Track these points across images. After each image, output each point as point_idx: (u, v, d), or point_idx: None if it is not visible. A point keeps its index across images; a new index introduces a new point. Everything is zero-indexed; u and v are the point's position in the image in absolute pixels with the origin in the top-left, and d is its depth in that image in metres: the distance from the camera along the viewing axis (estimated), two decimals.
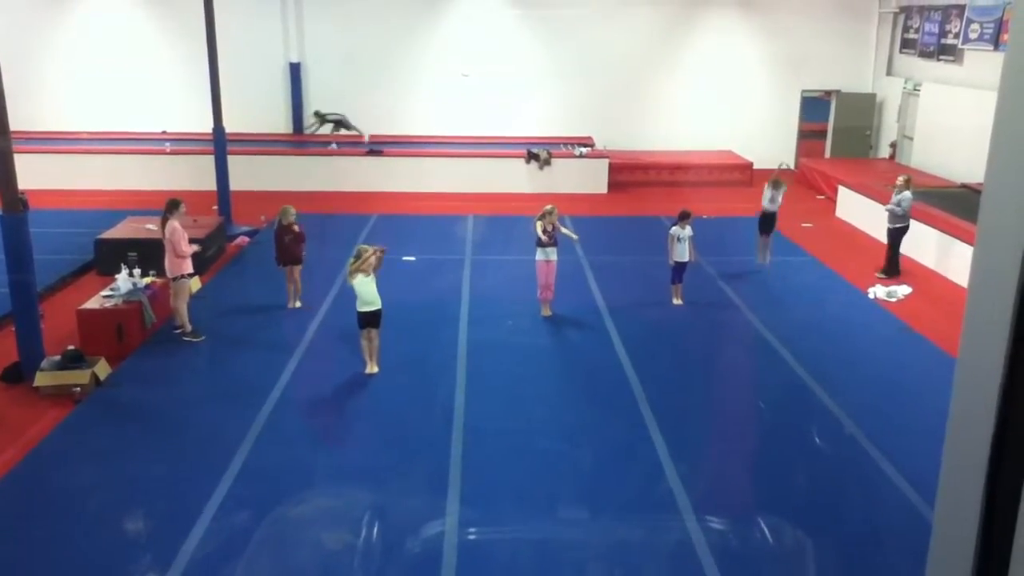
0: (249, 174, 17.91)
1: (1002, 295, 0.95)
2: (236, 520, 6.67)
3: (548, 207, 11.11)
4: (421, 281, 12.51)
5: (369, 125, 21.25)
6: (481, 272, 13.18)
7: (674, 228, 11.78)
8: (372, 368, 9.47)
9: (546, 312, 11.31)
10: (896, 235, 13.15)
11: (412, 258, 13.51)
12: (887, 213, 13.31)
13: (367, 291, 9.19)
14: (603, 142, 20.94)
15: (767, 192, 13.46)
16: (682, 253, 11.71)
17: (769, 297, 12.39)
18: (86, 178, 18.46)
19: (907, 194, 12.98)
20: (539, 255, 11.09)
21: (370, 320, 9.35)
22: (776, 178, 13.61)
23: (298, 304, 11.46)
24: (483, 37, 21.50)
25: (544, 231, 10.94)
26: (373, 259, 9.18)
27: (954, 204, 14.57)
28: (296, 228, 11.39)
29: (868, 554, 6.47)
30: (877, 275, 13.11)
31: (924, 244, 14.15)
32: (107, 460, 7.68)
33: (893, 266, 13.17)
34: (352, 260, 9.35)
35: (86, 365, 9.11)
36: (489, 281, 12.74)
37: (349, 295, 11.43)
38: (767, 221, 13.48)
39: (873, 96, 21.99)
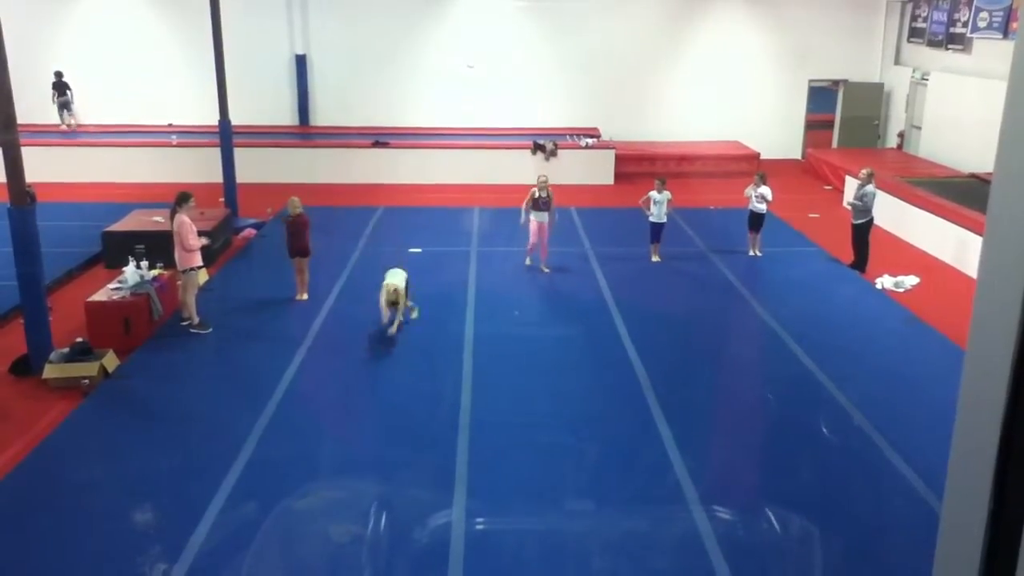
0: (255, 167, 17.95)
1: (1012, 285, 0.94)
2: (244, 512, 6.70)
3: (542, 178, 12.65)
4: (427, 273, 12.50)
5: (375, 117, 21.27)
6: (487, 264, 13.17)
7: (652, 192, 13.08)
8: (396, 327, 10.18)
9: (529, 262, 12.69)
10: (862, 230, 12.92)
11: (418, 250, 13.52)
12: (850, 209, 13.16)
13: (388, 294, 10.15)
14: (609, 133, 20.89)
15: (751, 191, 13.40)
16: (659, 215, 13.05)
17: (776, 288, 12.37)
18: (93, 171, 18.51)
19: (869, 188, 12.79)
20: (534, 216, 12.52)
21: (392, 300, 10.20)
22: (759, 174, 13.66)
23: (305, 296, 11.48)
24: (488, 29, 21.45)
25: (536, 197, 12.40)
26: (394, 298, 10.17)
27: (963, 194, 14.51)
28: (302, 217, 11.39)
29: (875, 545, 6.46)
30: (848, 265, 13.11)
31: (932, 234, 14.10)
32: (115, 452, 7.72)
33: (862, 261, 12.99)
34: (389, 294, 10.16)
35: (94, 357, 9.16)
36: (495, 273, 12.74)
37: (356, 289, 11.48)
38: (755, 219, 13.55)
39: (881, 86, 21.89)
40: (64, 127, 20.71)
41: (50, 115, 20.85)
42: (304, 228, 11.37)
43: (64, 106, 20.84)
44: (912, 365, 9.68)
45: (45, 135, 19.53)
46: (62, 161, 18.47)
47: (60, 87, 20.76)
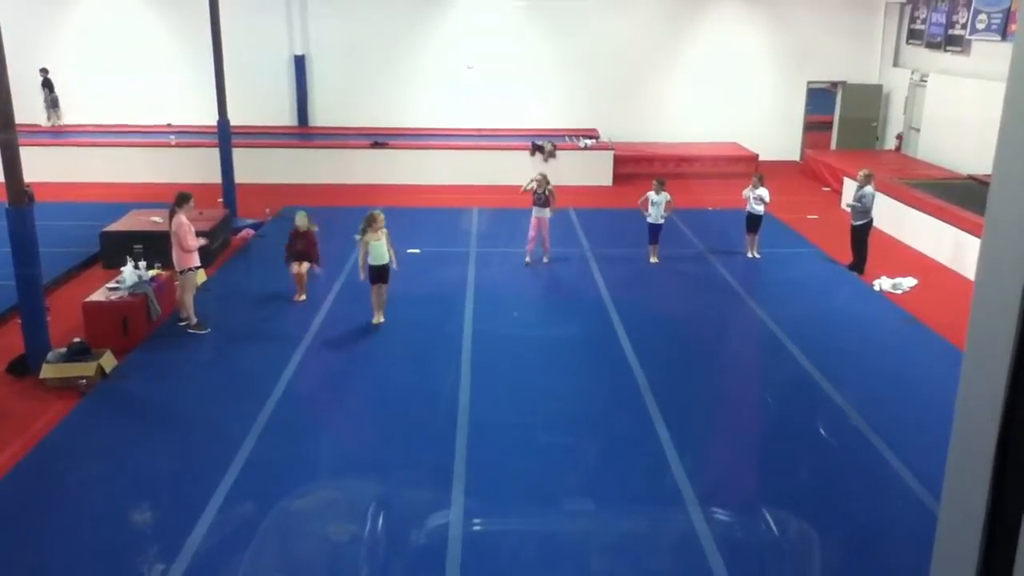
0: (254, 167, 17.93)
1: (1010, 287, 0.94)
2: (241, 512, 6.70)
3: (539, 175, 13.14)
4: (426, 274, 12.51)
5: (374, 118, 21.28)
6: (486, 264, 13.18)
7: (650, 192, 13.19)
8: (379, 319, 10.51)
9: (529, 261, 13.04)
10: (861, 232, 12.89)
11: (417, 251, 13.51)
12: (849, 211, 13.17)
13: (377, 247, 10.34)
14: (608, 134, 20.90)
15: (749, 192, 13.42)
16: (656, 216, 13.14)
17: (774, 289, 12.37)
18: (91, 171, 18.50)
19: (868, 189, 12.76)
20: (534, 212, 12.96)
21: (378, 274, 10.37)
22: (757, 176, 13.67)
23: (303, 297, 11.48)
24: (488, 29, 21.46)
25: (534, 191, 12.88)
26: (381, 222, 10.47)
27: (961, 196, 14.52)
28: (311, 236, 11.53)
29: (873, 546, 6.47)
30: (846, 267, 13.10)
31: (930, 236, 14.12)
32: (113, 452, 7.71)
33: (860, 262, 12.97)
34: (363, 225, 10.42)
35: (92, 357, 9.15)
36: (494, 274, 12.75)
37: (354, 289, 11.47)
38: (753, 221, 13.55)
39: (879, 87, 21.90)
40: (51, 125, 20.69)
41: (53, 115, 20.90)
42: (313, 243, 11.52)
43: (53, 104, 20.86)
44: (910, 366, 9.69)
45: (43, 135, 19.52)
46: (60, 161, 18.44)
47: (49, 84, 20.78)
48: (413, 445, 7.83)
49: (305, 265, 11.46)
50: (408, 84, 21.59)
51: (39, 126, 20.46)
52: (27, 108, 18.71)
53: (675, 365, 9.71)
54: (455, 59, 21.48)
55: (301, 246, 11.44)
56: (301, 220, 11.49)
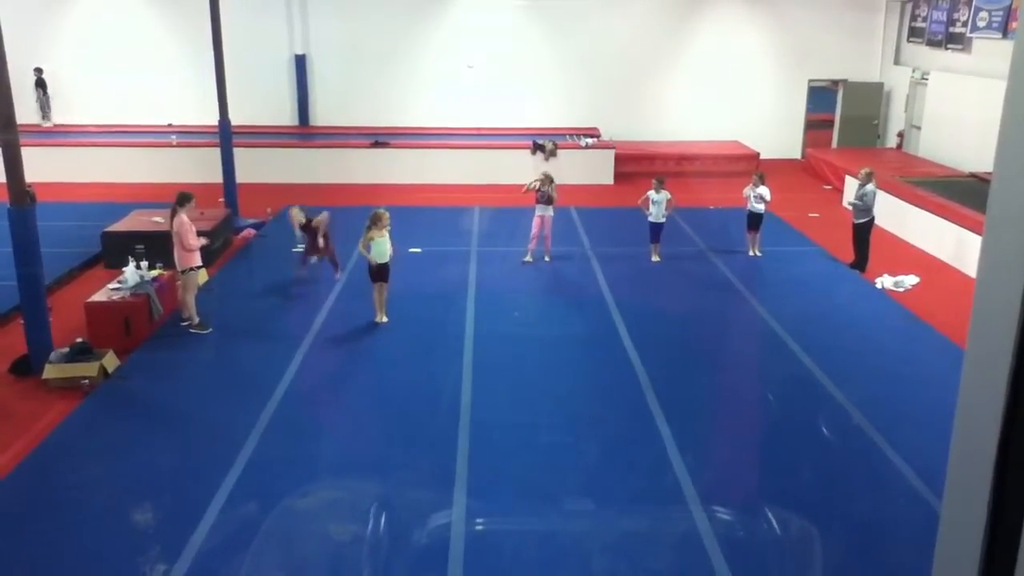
0: (255, 167, 17.93)
1: (1011, 284, 0.94)
2: (244, 512, 6.70)
3: (543, 174, 13.25)
4: (427, 273, 12.52)
5: (374, 117, 21.28)
6: (487, 264, 13.18)
7: (650, 191, 13.22)
8: (381, 317, 10.55)
9: (529, 259, 13.07)
10: (862, 230, 12.90)
11: (418, 250, 13.52)
12: (851, 209, 13.18)
13: (380, 245, 10.38)
14: (609, 133, 20.88)
15: (749, 191, 13.43)
16: (658, 215, 13.17)
17: (776, 287, 12.37)
18: (92, 171, 18.49)
19: (869, 187, 12.77)
20: (537, 210, 13.03)
21: (380, 273, 10.42)
22: (757, 174, 13.66)
23: (336, 267, 12.13)
24: (488, 28, 21.44)
25: (537, 190, 13.00)
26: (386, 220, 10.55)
27: (962, 193, 14.50)
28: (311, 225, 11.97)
29: (875, 544, 6.46)
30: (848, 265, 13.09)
31: (932, 233, 14.10)
32: (115, 452, 7.72)
33: (862, 260, 12.97)
34: (368, 222, 10.44)
35: (94, 357, 9.16)
36: (495, 273, 12.74)
37: (356, 288, 11.48)
38: (754, 219, 13.56)
39: (880, 85, 21.88)
40: (52, 125, 20.69)
41: (52, 115, 20.88)
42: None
43: (45, 104, 20.86)
44: (911, 364, 9.68)
45: (43, 135, 19.53)
46: (61, 161, 18.44)
47: (42, 84, 20.77)
48: (415, 444, 7.84)
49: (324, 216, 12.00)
50: (409, 83, 21.58)
51: (39, 126, 20.48)
52: (28, 108, 18.76)
53: (677, 363, 9.71)
54: (455, 59, 21.46)
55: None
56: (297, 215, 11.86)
